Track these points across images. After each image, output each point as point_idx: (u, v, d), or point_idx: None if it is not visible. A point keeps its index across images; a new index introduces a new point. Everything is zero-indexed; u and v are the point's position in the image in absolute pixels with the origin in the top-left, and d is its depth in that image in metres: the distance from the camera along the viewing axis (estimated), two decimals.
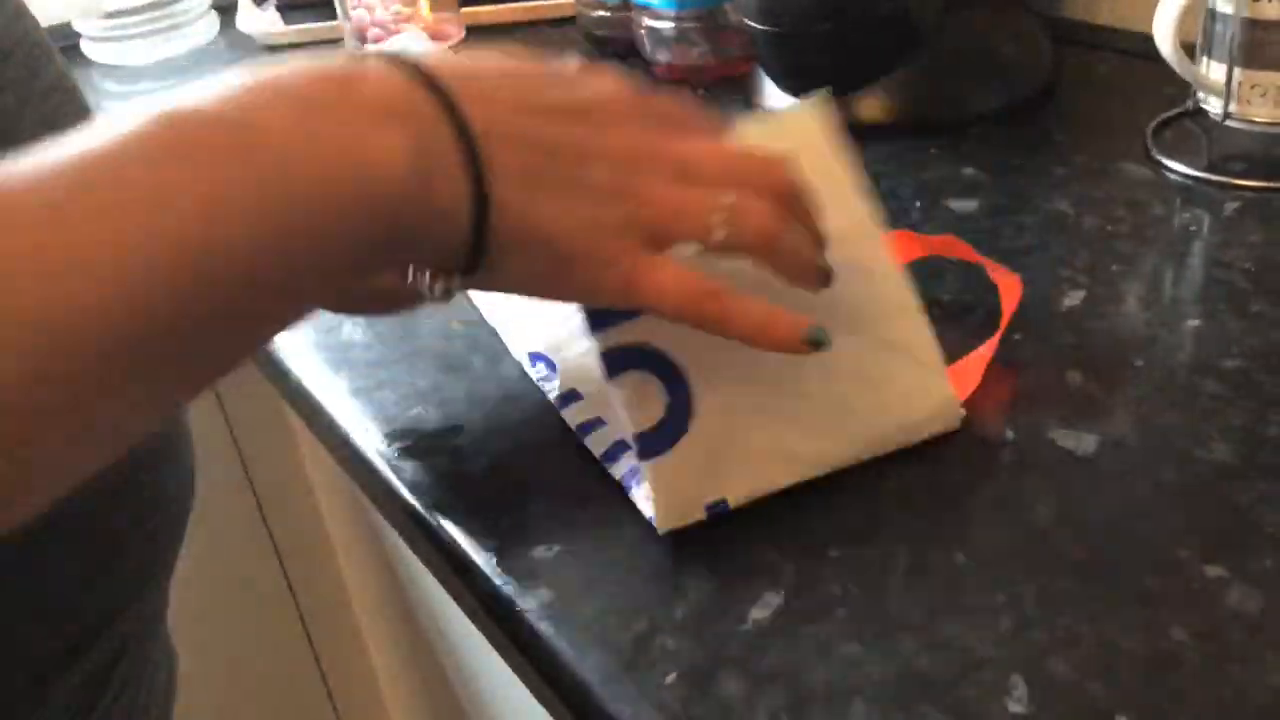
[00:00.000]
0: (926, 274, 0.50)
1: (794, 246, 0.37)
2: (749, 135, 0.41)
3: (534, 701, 0.41)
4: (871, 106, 0.73)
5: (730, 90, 0.84)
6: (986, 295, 0.51)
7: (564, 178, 0.34)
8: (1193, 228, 0.59)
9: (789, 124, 0.42)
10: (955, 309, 0.52)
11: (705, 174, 0.36)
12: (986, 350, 0.45)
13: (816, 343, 0.37)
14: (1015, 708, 0.34)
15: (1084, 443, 0.44)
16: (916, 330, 0.43)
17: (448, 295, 0.36)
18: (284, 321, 0.32)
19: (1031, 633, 0.36)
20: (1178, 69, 0.62)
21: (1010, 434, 0.44)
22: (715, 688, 0.36)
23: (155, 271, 0.26)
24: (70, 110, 0.41)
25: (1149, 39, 0.62)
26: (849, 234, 0.41)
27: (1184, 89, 0.67)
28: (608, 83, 0.38)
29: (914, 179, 0.66)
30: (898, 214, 0.63)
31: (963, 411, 0.42)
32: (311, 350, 0.58)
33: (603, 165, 0.35)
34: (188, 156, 0.28)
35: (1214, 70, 0.63)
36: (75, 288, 0.25)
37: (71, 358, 0.25)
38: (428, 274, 0.36)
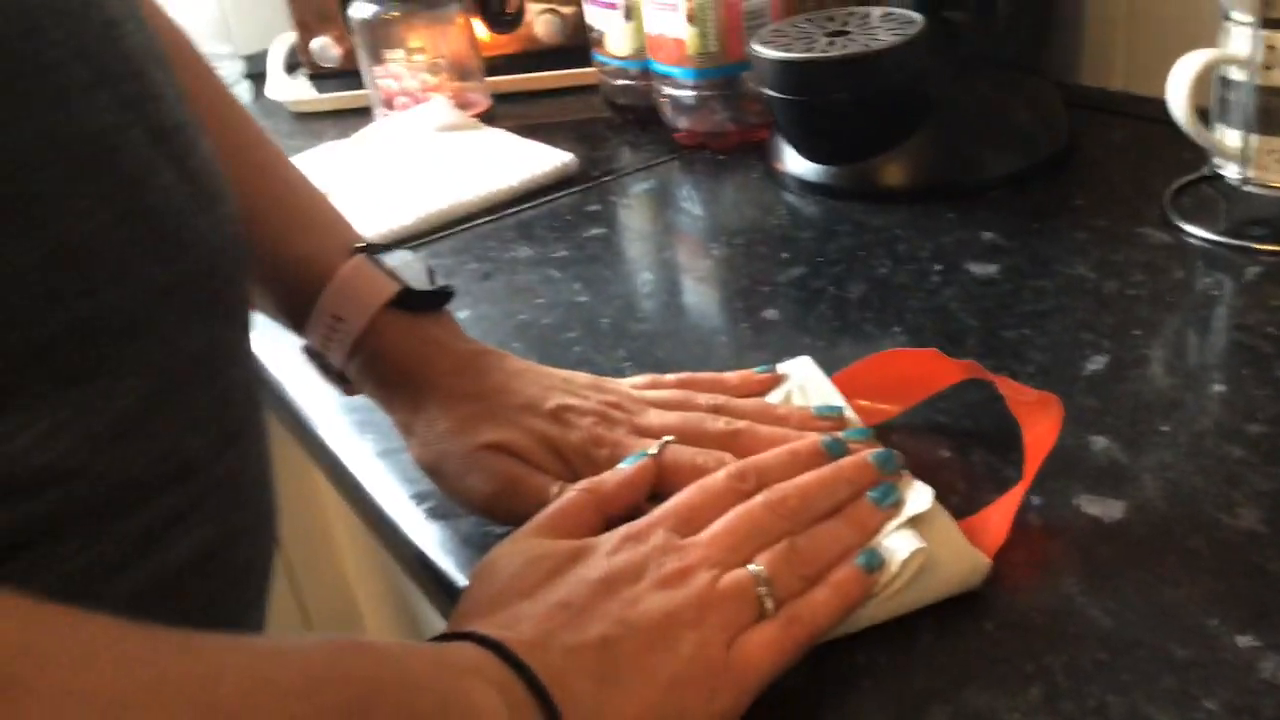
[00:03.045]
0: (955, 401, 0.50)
1: (820, 603, 0.39)
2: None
3: None
4: (889, 172, 0.74)
5: (749, 156, 0.85)
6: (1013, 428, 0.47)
7: (627, 659, 0.36)
8: (1214, 292, 0.59)
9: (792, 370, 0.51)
10: (979, 444, 0.50)
11: (723, 550, 0.40)
12: (1014, 497, 0.43)
13: (875, 569, 0.40)
14: None
15: (1111, 509, 0.44)
16: (939, 520, 0.42)
17: None
18: None
19: (1061, 703, 0.36)
20: (1193, 136, 0.63)
21: (1037, 500, 0.44)
22: None
23: None
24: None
25: (1163, 103, 0.63)
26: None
27: (1201, 154, 0.68)
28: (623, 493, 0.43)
29: (933, 243, 0.67)
30: (917, 278, 0.63)
31: (989, 564, 0.40)
32: (338, 413, 0.59)
33: (651, 624, 0.37)
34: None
35: (1229, 136, 0.63)
36: None
37: None
38: None
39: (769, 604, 0.38)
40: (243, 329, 0.42)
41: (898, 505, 0.42)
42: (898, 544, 0.40)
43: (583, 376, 0.50)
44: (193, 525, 0.36)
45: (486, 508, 0.46)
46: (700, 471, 0.44)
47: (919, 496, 0.42)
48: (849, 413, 0.48)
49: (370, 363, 0.48)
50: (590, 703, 0.34)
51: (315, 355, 0.50)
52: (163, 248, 0.35)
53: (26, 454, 0.31)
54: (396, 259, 0.50)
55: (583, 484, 0.43)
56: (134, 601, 0.34)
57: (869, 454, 0.44)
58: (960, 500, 0.45)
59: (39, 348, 0.31)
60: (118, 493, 0.34)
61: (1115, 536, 0.42)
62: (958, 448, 0.49)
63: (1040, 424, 0.45)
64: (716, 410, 0.48)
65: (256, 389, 0.42)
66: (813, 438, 0.45)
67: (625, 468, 0.44)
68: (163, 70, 0.38)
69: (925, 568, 0.40)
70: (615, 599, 0.37)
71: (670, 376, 0.51)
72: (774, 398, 0.50)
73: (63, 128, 0.32)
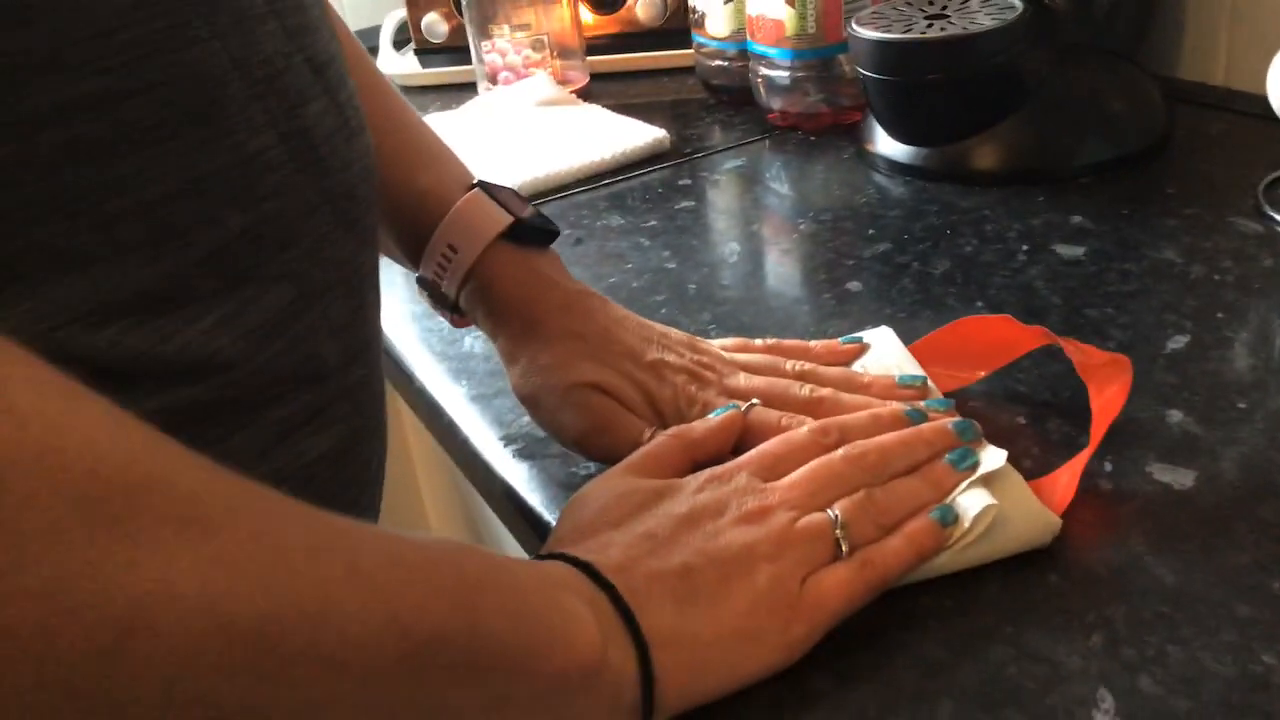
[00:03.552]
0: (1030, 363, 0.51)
1: (894, 550, 0.41)
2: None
3: None
4: (980, 155, 0.75)
5: (840, 138, 0.86)
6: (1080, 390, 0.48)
7: (706, 585, 0.38)
8: None
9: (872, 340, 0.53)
10: (1055, 411, 0.51)
11: (803, 494, 0.41)
12: (1082, 459, 0.44)
13: (949, 525, 0.41)
14: (1102, 718, 0.34)
15: (1182, 478, 0.44)
16: (1012, 480, 0.43)
17: None
18: None
19: (1122, 650, 0.37)
20: None
21: (1109, 466, 0.45)
22: (808, 685, 0.37)
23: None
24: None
25: (1264, 100, 0.63)
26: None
27: None
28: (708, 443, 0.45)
29: (1022, 225, 0.68)
30: (1003, 256, 0.64)
31: (1060, 523, 0.41)
32: (434, 360, 0.62)
33: (731, 555, 0.39)
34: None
35: None
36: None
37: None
38: None
39: (844, 548, 0.40)
40: (374, 253, 0.45)
41: (973, 469, 0.43)
42: (970, 501, 0.42)
43: (677, 333, 0.52)
44: (327, 422, 0.40)
45: (578, 442, 0.49)
46: (783, 431, 0.46)
47: (992, 457, 0.43)
48: (930, 384, 0.49)
49: (481, 292, 0.51)
50: (670, 622, 0.37)
51: (428, 285, 0.53)
52: (314, 168, 0.39)
53: (191, 346, 0.35)
54: (507, 196, 0.53)
55: (672, 430, 0.46)
56: (277, 488, 0.38)
57: (949, 421, 0.45)
58: (1034, 465, 0.46)
59: (216, 248, 0.35)
60: (264, 386, 0.37)
61: (1185, 503, 0.43)
62: (1033, 415, 0.50)
63: (1110, 387, 0.46)
64: (802, 377, 0.50)
65: (379, 313, 0.46)
66: (895, 405, 0.47)
67: (713, 418, 0.46)
68: (319, 7, 0.42)
69: (996, 524, 0.41)
70: (698, 531, 0.40)
71: (759, 341, 0.53)
72: (855, 367, 0.52)
73: (242, 50, 0.36)
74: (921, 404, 0.47)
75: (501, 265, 0.51)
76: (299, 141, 0.38)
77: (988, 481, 0.43)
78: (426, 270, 0.52)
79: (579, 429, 0.48)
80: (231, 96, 0.36)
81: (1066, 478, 0.43)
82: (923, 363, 0.51)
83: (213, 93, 0.35)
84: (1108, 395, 0.45)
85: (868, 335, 0.54)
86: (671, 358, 0.50)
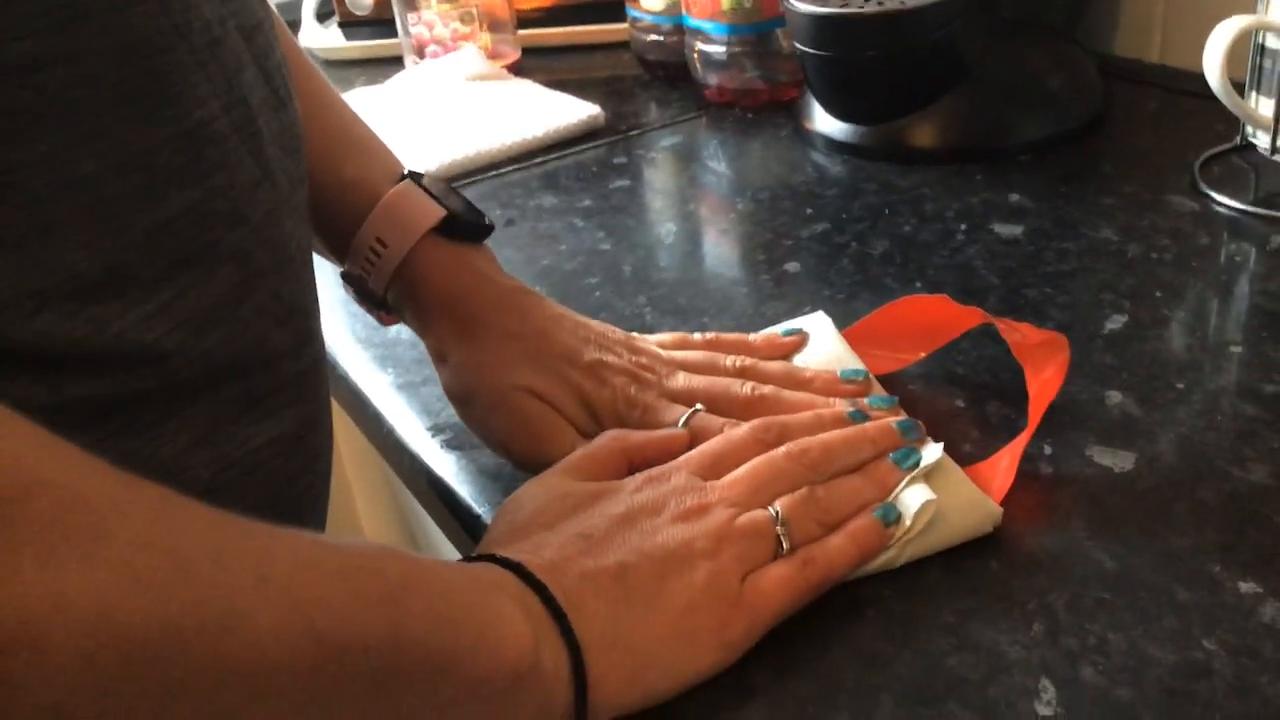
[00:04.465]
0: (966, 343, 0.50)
1: (837, 549, 0.39)
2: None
3: None
4: (918, 133, 0.74)
5: (778, 115, 0.85)
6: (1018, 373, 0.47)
7: (643, 584, 0.37)
8: (1238, 259, 0.59)
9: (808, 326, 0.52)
10: (993, 393, 0.51)
11: (743, 491, 0.40)
12: (1020, 442, 0.43)
13: (891, 523, 0.40)
14: (1044, 710, 0.34)
15: (1122, 460, 0.44)
16: (950, 473, 0.42)
17: None
18: None
19: (1062, 638, 0.36)
20: (1226, 103, 0.63)
21: (1049, 449, 0.45)
22: (746, 680, 0.36)
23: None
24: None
25: (1199, 77, 0.63)
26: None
27: (1233, 125, 0.67)
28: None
29: (960, 203, 0.67)
30: (941, 236, 0.63)
31: (1000, 510, 0.41)
32: (359, 347, 0.60)
33: (668, 553, 0.37)
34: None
35: (1262, 106, 0.63)
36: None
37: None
38: None
39: (785, 545, 0.39)
40: (309, 231, 0.43)
41: (915, 467, 0.42)
42: (911, 498, 0.41)
43: (615, 332, 0.50)
44: (273, 409, 0.38)
45: (507, 447, 0.47)
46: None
47: (930, 451, 0.42)
48: (873, 379, 0.48)
49: (411, 289, 0.49)
50: (605, 623, 0.35)
51: (354, 281, 0.51)
52: (252, 141, 0.37)
53: (130, 332, 0.33)
54: (439, 189, 0.50)
55: (612, 432, 0.44)
56: (220, 476, 0.36)
57: (893, 420, 0.44)
58: (973, 448, 0.45)
59: (157, 228, 0.33)
60: (208, 373, 0.35)
61: (1124, 486, 0.42)
62: (972, 398, 0.49)
63: (1047, 368, 0.45)
64: (743, 374, 0.48)
65: (317, 296, 0.44)
66: (839, 404, 0.45)
67: (656, 434, 0.44)
68: None
69: (938, 517, 0.40)
70: (634, 530, 0.38)
71: (698, 337, 0.52)
72: (795, 361, 0.51)
73: (180, 15, 0.34)
74: (864, 401, 0.46)
75: (433, 261, 0.48)
76: (240, 112, 0.36)
77: (927, 475, 0.42)
78: (353, 266, 0.50)
79: (509, 434, 0.46)
80: (175, 63, 0.33)
81: (1006, 462, 0.42)
82: (861, 345, 0.50)
83: (155, 60, 0.32)
84: (1045, 377, 0.45)
85: (804, 322, 0.52)
86: (610, 358, 0.48)
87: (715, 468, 0.41)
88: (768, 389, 0.47)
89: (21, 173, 0.30)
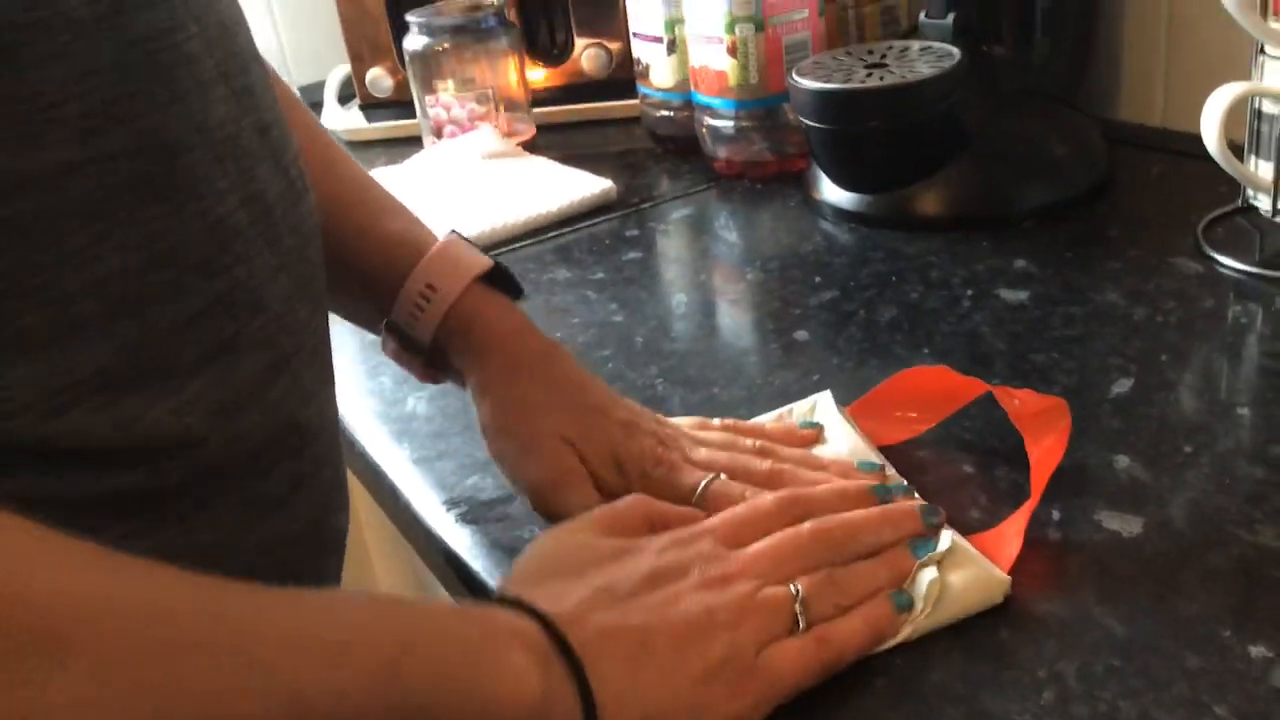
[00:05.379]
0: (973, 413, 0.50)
1: (850, 631, 0.40)
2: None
3: None
4: (924, 202, 0.75)
5: (786, 185, 0.87)
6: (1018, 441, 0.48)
7: (662, 649, 0.37)
8: (1243, 320, 0.59)
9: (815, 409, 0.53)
10: (1002, 459, 0.50)
11: (767, 565, 0.40)
12: (1026, 510, 0.43)
13: (904, 609, 0.40)
14: None
15: (1130, 525, 0.44)
16: (960, 550, 0.43)
17: None
18: None
19: (1073, 706, 0.36)
20: (1225, 167, 0.64)
21: (1057, 515, 0.45)
22: None
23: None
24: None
25: (1201, 139, 0.63)
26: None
27: (1235, 187, 0.68)
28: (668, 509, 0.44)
29: (966, 270, 0.68)
30: (948, 302, 0.64)
31: (1009, 580, 0.41)
32: (376, 421, 0.61)
33: (690, 620, 0.38)
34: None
35: (1262, 168, 0.64)
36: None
37: None
38: None
39: (801, 623, 0.39)
40: (326, 317, 0.45)
41: (931, 560, 0.42)
42: (922, 578, 0.41)
43: (640, 406, 0.51)
44: (305, 493, 0.39)
45: (534, 489, 0.48)
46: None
47: (943, 538, 0.43)
48: (890, 470, 0.49)
49: (464, 326, 0.50)
50: (620, 683, 0.36)
51: (398, 330, 0.52)
52: (271, 232, 0.38)
53: (160, 424, 0.34)
54: (480, 248, 0.53)
55: (640, 496, 0.45)
56: (256, 562, 0.37)
57: (916, 505, 0.44)
58: (982, 514, 0.46)
59: (185, 321, 0.34)
60: (240, 460, 0.36)
61: (1133, 551, 0.42)
62: (981, 464, 0.49)
63: (1048, 435, 0.45)
64: (761, 453, 0.49)
65: (334, 378, 0.45)
66: (861, 482, 0.46)
67: (681, 508, 0.45)
68: (260, 69, 0.41)
69: (949, 593, 0.40)
70: (658, 592, 0.39)
71: (716, 421, 0.53)
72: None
73: (201, 115, 0.35)
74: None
75: (484, 304, 0.51)
76: (257, 206, 0.38)
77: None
78: (400, 313, 0.52)
79: (538, 477, 0.47)
80: (196, 161, 0.35)
81: (1012, 531, 0.43)
82: (868, 418, 0.51)
83: (180, 159, 0.34)
84: (1045, 444, 0.45)
85: (811, 405, 0.53)
86: (640, 421, 0.50)
87: (738, 535, 0.42)
88: (786, 465, 0.48)
89: (50, 273, 0.31)
